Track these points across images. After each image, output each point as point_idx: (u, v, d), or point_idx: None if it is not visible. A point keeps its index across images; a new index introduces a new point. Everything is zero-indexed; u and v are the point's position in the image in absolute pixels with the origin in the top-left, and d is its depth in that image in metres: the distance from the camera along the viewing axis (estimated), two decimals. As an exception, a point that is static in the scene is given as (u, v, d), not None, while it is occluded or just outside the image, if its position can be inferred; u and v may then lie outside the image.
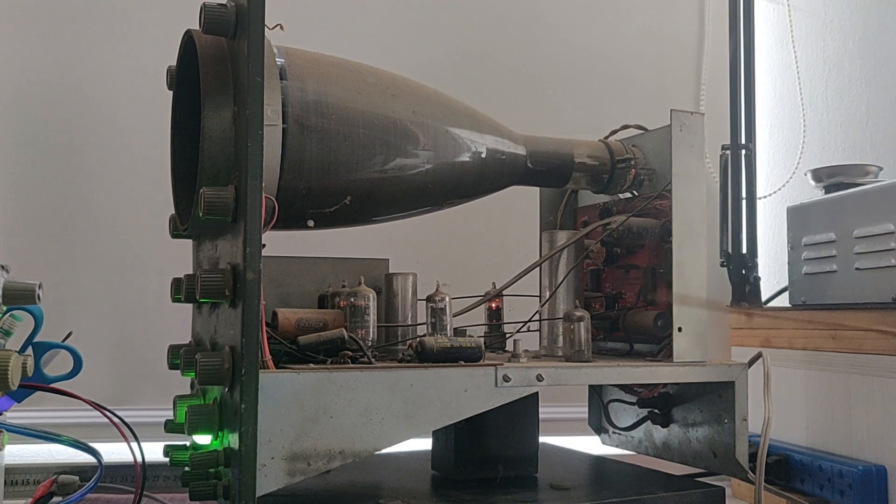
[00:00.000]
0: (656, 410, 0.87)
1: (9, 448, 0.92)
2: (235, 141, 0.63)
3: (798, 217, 1.13)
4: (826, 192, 1.14)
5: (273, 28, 0.64)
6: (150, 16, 1.24)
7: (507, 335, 0.87)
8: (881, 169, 1.15)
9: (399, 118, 0.73)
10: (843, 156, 1.33)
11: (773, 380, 0.79)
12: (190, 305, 0.77)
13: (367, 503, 0.69)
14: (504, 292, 0.85)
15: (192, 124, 0.68)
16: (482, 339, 0.72)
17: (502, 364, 0.68)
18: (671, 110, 0.78)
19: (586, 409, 1.00)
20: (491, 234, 1.28)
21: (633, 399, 0.89)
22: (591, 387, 0.97)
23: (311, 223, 0.73)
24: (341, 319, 0.71)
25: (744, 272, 1.22)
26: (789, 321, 1.11)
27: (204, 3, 0.63)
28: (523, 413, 0.79)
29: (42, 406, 0.97)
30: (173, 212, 0.75)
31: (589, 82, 1.40)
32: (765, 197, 1.40)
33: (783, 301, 1.20)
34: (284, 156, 0.67)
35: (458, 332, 0.74)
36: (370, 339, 0.71)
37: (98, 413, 0.80)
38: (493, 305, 0.88)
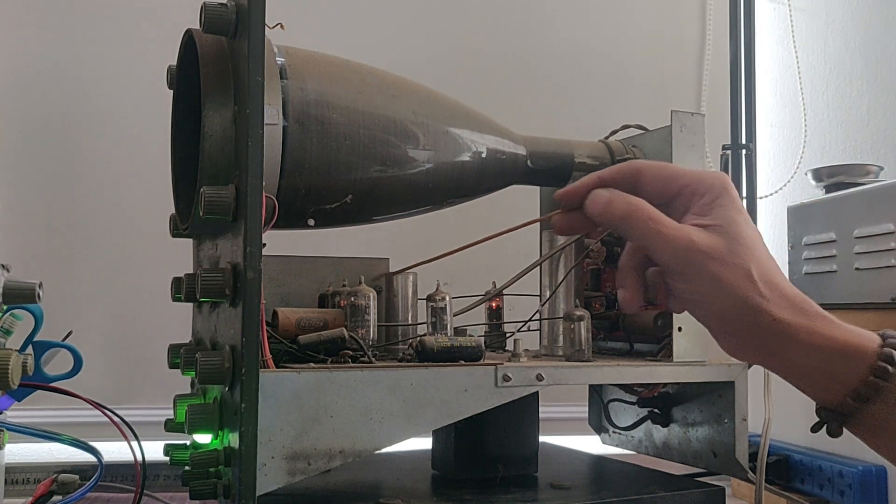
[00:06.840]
0: (656, 410, 0.87)
1: (9, 447, 0.92)
2: (236, 140, 0.63)
3: (798, 217, 1.13)
4: (826, 192, 1.14)
5: (273, 27, 0.64)
6: (150, 15, 1.24)
7: (508, 335, 0.87)
8: (882, 169, 1.15)
9: (399, 118, 0.73)
10: (844, 155, 1.33)
11: (773, 379, 0.79)
12: (190, 305, 0.77)
13: (367, 503, 0.69)
14: (504, 292, 0.85)
15: (193, 124, 0.68)
16: (482, 339, 0.72)
17: (502, 363, 0.68)
18: (671, 111, 0.78)
19: (586, 409, 1.00)
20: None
21: (633, 399, 0.89)
22: (591, 386, 0.97)
23: (311, 222, 0.73)
24: (342, 319, 0.71)
25: (744, 272, 1.22)
26: (789, 321, 1.11)
27: (204, 3, 0.63)
28: (523, 413, 0.79)
29: (42, 405, 0.97)
30: (173, 211, 0.75)
31: (589, 82, 1.40)
32: (765, 197, 1.40)
33: (783, 301, 1.20)
34: (285, 155, 0.67)
35: (459, 331, 0.74)
36: (370, 338, 0.71)
37: (98, 412, 0.80)
38: (494, 305, 0.88)
